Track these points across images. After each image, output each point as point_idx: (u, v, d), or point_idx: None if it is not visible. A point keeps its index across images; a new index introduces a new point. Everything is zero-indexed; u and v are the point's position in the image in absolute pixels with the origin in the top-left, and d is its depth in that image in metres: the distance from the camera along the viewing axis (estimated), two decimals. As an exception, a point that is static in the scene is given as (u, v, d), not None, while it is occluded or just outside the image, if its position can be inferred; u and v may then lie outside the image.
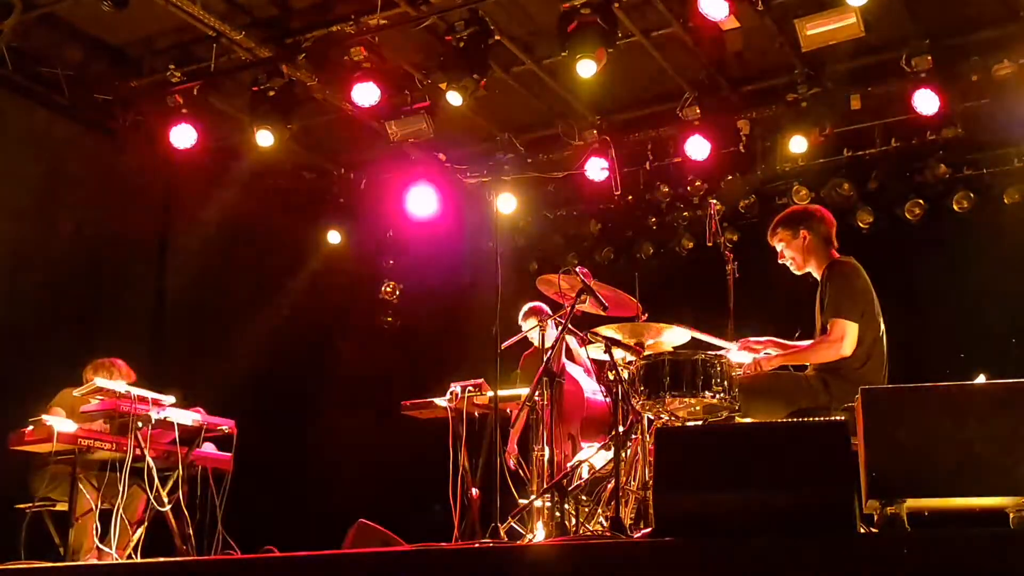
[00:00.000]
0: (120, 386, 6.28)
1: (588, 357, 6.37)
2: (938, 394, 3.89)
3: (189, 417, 6.50)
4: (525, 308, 7.08)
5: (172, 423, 6.36)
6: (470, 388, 6.46)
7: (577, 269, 5.55)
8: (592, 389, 6.50)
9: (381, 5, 7.52)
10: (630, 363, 5.26)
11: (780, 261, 5.54)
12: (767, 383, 5.18)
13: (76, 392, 6.74)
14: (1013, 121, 8.02)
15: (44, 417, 6.27)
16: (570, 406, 6.40)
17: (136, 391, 6.25)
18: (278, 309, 9.73)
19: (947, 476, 3.73)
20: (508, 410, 6.34)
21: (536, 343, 6.48)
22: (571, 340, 6.42)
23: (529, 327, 6.80)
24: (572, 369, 6.57)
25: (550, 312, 6.44)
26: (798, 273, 5.51)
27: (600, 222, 9.95)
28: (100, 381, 6.30)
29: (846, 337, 5.04)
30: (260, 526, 6.60)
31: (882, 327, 5.21)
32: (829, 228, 5.43)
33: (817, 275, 5.40)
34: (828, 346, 5.09)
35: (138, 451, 6.20)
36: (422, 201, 9.55)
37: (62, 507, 6.30)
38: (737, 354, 5.37)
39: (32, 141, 8.24)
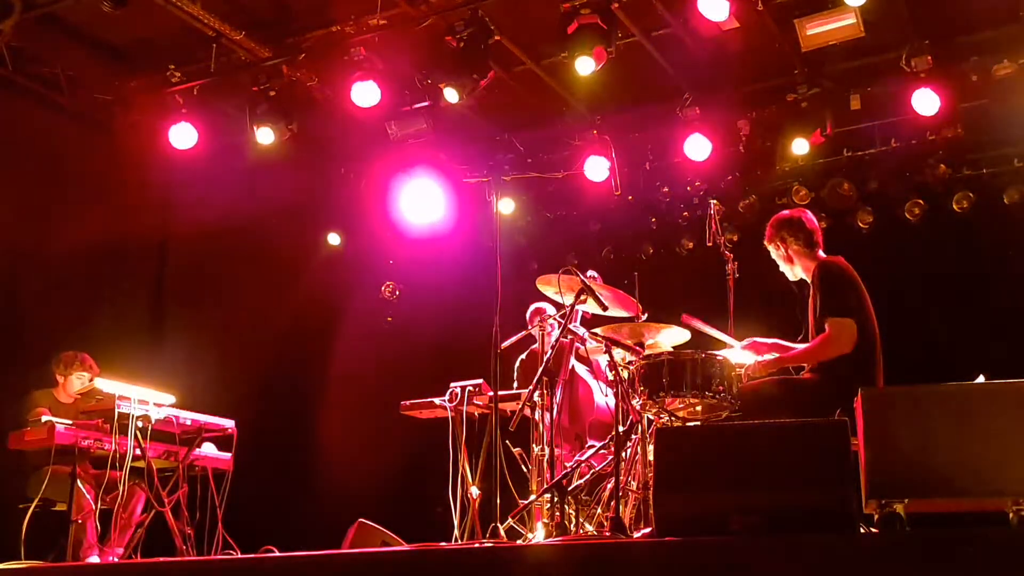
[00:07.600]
0: (119, 386, 6.27)
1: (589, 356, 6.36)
2: (938, 394, 3.89)
3: (188, 417, 6.49)
4: (530, 310, 7.04)
5: (171, 423, 6.35)
6: (470, 388, 6.45)
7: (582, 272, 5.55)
8: (600, 390, 6.49)
9: (381, 5, 7.51)
10: (630, 363, 5.26)
11: (780, 269, 5.56)
12: (769, 391, 5.15)
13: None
14: (1013, 121, 8.01)
15: (44, 417, 6.26)
16: (583, 407, 6.41)
17: (136, 391, 6.24)
18: (278, 309, 9.72)
19: (947, 476, 3.73)
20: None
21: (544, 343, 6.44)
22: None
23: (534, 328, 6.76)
24: (581, 370, 6.56)
25: (552, 313, 6.41)
26: (793, 280, 5.51)
27: (600, 222, 9.94)
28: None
29: (843, 334, 5.02)
30: (260, 526, 6.60)
31: (876, 325, 5.19)
32: (811, 232, 5.41)
33: (808, 278, 5.39)
34: (827, 344, 5.06)
35: (137, 451, 6.20)
36: (422, 201, 9.54)
37: (61, 507, 6.30)
38: (739, 355, 5.37)
39: (32, 141, 8.23)
